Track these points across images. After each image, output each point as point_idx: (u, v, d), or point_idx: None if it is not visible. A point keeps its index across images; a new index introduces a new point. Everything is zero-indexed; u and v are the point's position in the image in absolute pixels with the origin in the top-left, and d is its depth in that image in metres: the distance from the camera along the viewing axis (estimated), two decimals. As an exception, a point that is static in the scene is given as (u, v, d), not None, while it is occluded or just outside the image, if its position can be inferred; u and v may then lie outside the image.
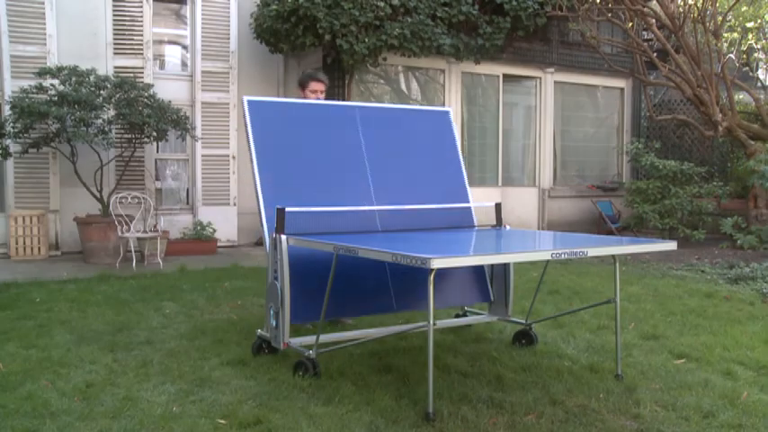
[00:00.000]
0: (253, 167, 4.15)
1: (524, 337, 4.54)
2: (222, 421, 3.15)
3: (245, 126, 4.15)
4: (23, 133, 7.73)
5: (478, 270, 4.74)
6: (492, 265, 4.77)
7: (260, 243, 9.89)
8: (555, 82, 11.73)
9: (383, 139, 4.59)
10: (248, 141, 4.13)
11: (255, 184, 4.12)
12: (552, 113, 11.77)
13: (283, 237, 3.91)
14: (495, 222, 4.79)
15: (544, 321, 5.08)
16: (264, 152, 4.19)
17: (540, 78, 11.60)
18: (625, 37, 11.31)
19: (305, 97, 5.06)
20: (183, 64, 9.94)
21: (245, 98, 4.10)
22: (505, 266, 4.71)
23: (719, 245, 9.75)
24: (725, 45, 12.80)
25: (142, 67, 9.19)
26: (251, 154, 4.14)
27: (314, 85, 5.14)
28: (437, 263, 2.91)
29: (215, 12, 9.64)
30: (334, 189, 4.35)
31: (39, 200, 8.71)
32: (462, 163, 4.90)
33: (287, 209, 3.98)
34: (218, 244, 9.33)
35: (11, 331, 4.74)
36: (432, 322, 3.16)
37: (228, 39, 9.72)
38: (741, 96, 12.79)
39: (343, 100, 9.15)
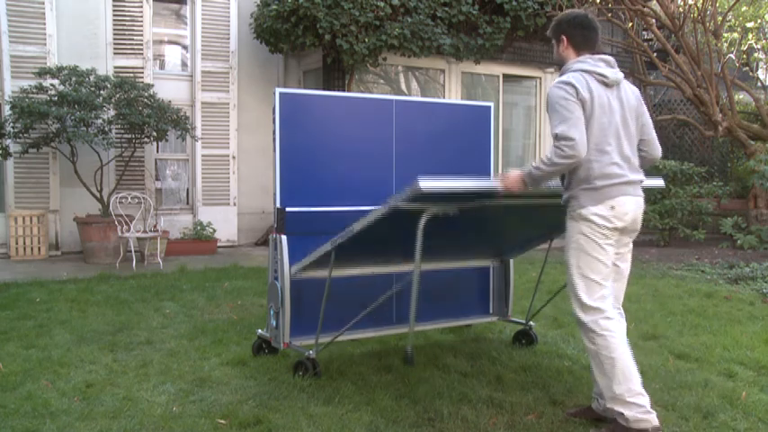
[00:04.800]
0: (275, 162, 4.01)
1: (524, 337, 4.55)
2: (222, 421, 3.15)
3: (273, 119, 3.99)
4: (23, 133, 7.73)
5: (481, 282, 4.74)
6: (493, 268, 4.77)
7: (260, 243, 9.89)
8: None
9: (416, 134, 4.46)
10: (274, 134, 4.01)
11: (275, 180, 4.03)
12: (552, 113, 11.74)
13: (284, 237, 3.91)
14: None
15: (544, 321, 5.09)
16: (288, 147, 4.02)
17: (540, 78, 11.60)
18: (625, 37, 11.30)
19: None
20: (183, 64, 9.94)
21: (277, 90, 4.00)
22: (505, 267, 4.71)
23: (719, 245, 9.75)
24: (725, 45, 12.79)
25: (142, 67, 9.19)
26: (275, 148, 4.00)
27: None
28: (425, 184, 2.90)
29: (215, 12, 9.64)
30: (355, 187, 4.25)
31: (39, 200, 8.71)
32: (491, 161, 4.79)
33: (287, 209, 3.97)
34: (219, 244, 9.33)
35: (11, 331, 4.74)
36: (419, 267, 3.10)
37: (228, 39, 9.72)
38: (741, 96, 12.79)
39: (344, 100, 9.13)
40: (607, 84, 3.07)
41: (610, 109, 3.05)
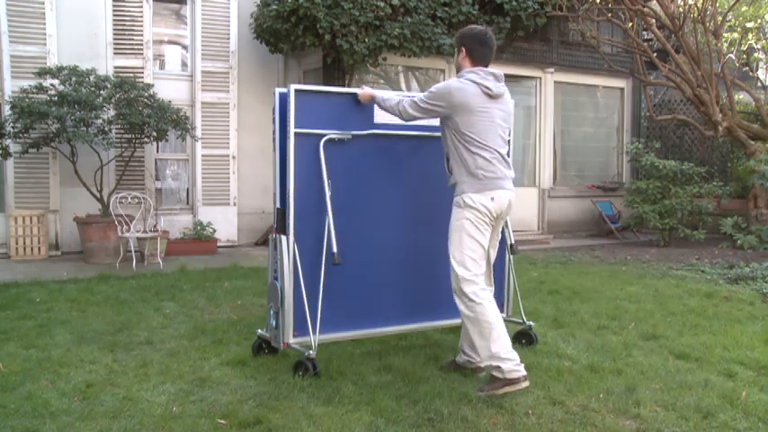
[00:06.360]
0: (275, 162, 4.03)
1: (524, 337, 4.55)
2: (222, 421, 3.15)
3: (273, 119, 4.02)
4: (23, 133, 7.72)
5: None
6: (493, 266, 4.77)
7: (260, 243, 9.90)
8: (555, 82, 11.73)
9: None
10: (274, 134, 4.02)
11: (275, 180, 4.04)
12: (552, 113, 11.77)
13: (283, 237, 3.91)
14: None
15: (544, 321, 5.09)
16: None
17: (540, 78, 11.60)
18: (625, 37, 11.30)
19: None
20: (183, 64, 9.93)
21: (277, 89, 4.04)
22: (508, 267, 4.71)
23: (719, 245, 9.75)
24: (725, 45, 12.79)
25: (142, 67, 9.18)
26: (275, 148, 4.02)
27: None
28: (296, 86, 3.90)
29: (215, 12, 9.63)
30: None
31: (39, 200, 8.70)
32: None
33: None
34: (219, 244, 9.33)
35: (11, 331, 4.74)
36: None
37: (228, 39, 9.72)
38: (741, 96, 12.79)
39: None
40: (491, 95, 3.66)
41: (490, 116, 3.66)
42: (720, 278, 7.16)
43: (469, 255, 3.60)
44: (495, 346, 3.49)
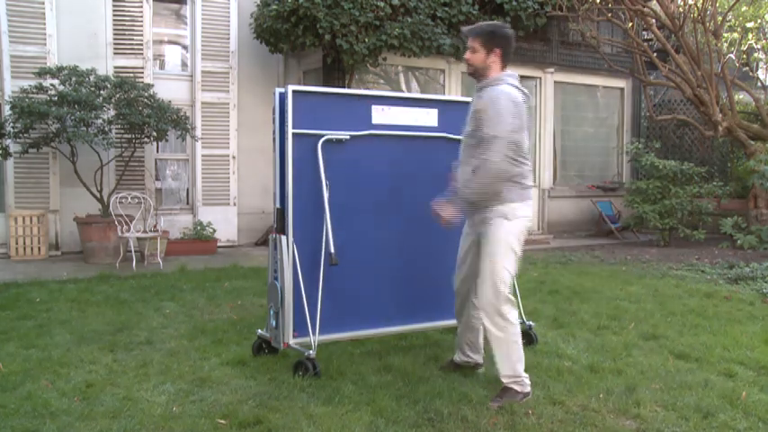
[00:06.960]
0: (275, 162, 4.05)
1: (524, 337, 4.53)
2: (222, 421, 3.15)
3: (273, 119, 4.04)
4: (23, 133, 7.72)
5: None
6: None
7: (260, 243, 9.89)
8: (555, 82, 11.73)
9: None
10: (274, 134, 4.04)
11: (275, 180, 4.06)
12: (552, 113, 11.76)
13: (283, 237, 3.92)
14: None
15: (544, 321, 5.09)
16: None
17: (540, 78, 11.60)
18: (625, 37, 11.30)
19: None
20: (183, 64, 9.93)
21: (277, 89, 4.05)
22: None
23: (719, 245, 9.75)
24: (725, 45, 12.79)
25: (142, 67, 9.18)
26: (275, 148, 4.04)
27: None
28: (292, 86, 3.89)
29: (215, 12, 9.63)
30: None
31: (39, 200, 8.71)
32: None
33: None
34: (218, 244, 9.33)
35: (11, 331, 4.74)
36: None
37: (228, 39, 9.72)
38: (741, 96, 12.79)
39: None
40: (526, 102, 3.46)
41: (528, 121, 3.48)
42: (720, 278, 7.16)
43: (510, 270, 3.48)
44: (520, 366, 3.50)
